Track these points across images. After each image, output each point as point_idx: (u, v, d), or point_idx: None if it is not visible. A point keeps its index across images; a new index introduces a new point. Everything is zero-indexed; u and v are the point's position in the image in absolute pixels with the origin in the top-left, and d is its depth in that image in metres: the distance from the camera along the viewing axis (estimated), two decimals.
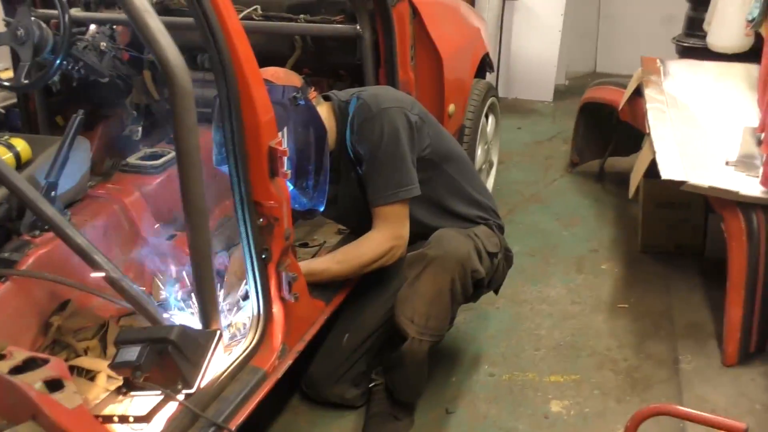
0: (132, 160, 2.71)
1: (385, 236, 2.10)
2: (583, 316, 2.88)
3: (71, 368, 1.97)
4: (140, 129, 2.95)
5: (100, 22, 2.80)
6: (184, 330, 1.64)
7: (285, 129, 1.96)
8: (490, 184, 3.79)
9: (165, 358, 1.62)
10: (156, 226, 2.52)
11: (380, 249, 2.10)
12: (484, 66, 3.62)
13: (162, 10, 2.93)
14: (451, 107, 2.93)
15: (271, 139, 1.70)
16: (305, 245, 2.62)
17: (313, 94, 2.11)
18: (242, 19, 2.84)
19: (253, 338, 1.83)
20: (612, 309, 2.91)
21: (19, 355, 1.59)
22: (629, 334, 2.73)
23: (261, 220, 1.74)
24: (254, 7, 2.86)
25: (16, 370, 1.54)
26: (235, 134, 1.66)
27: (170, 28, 1.49)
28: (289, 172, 1.73)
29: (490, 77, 4.22)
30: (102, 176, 2.69)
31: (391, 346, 2.16)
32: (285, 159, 1.73)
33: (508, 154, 4.54)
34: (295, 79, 2.08)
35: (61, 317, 2.08)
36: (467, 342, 2.68)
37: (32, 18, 2.50)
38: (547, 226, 3.66)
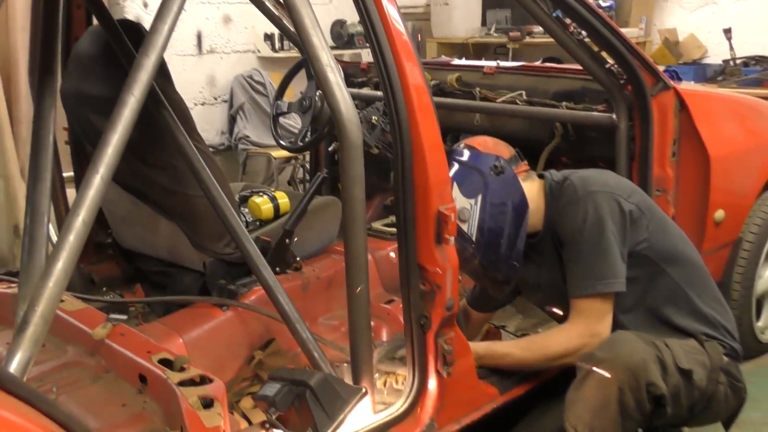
0: (377, 224, 2.86)
1: (578, 331, 1.89)
2: None
3: None
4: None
5: (375, 100, 3.04)
6: (327, 380, 1.66)
7: (479, 197, 1.90)
8: None
9: (302, 403, 1.65)
10: (378, 289, 2.60)
11: (570, 344, 1.89)
12: None
13: (438, 92, 3.10)
14: (719, 213, 2.56)
15: (442, 203, 1.67)
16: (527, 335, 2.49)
17: (522, 167, 2.02)
18: (505, 102, 2.88)
19: (401, 406, 1.76)
20: None
21: (194, 371, 1.75)
22: None
23: (423, 285, 1.70)
24: (520, 92, 2.88)
25: (187, 383, 1.71)
26: (406, 194, 1.66)
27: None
28: (451, 239, 1.67)
29: None
30: None
31: None
32: (456, 226, 1.68)
33: None
34: (503, 150, 2.02)
35: (264, 354, 2.25)
36: None
37: (318, 92, 2.83)
38: None
